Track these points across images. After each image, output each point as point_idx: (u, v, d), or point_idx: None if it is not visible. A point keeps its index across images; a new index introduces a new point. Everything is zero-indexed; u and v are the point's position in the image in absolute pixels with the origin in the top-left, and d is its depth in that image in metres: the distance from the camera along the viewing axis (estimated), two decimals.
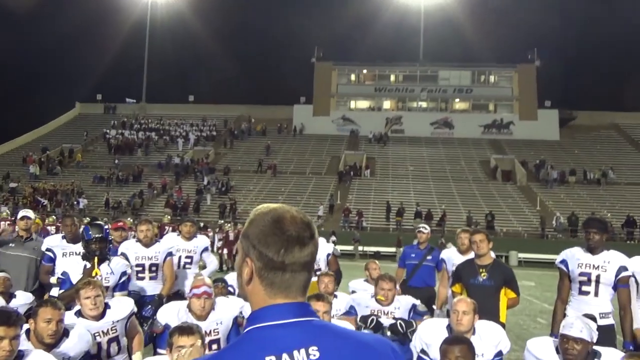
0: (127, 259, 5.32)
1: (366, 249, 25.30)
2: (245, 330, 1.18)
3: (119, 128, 45.59)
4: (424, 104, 47.50)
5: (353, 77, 49.15)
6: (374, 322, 4.40)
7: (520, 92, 45.66)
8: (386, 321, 4.49)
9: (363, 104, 48.49)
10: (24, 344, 2.99)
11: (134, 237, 7.06)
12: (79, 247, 5.34)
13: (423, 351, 3.61)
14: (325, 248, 5.92)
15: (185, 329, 2.89)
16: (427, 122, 44.98)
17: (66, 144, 42.62)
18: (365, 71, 48.95)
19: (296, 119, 46.15)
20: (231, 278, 5.97)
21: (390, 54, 48.50)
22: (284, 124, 45.99)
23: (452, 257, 5.80)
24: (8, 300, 4.48)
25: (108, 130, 45.01)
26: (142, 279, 5.46)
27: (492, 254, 5.01)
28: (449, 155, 40.34)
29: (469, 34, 50.14)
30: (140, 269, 5.45)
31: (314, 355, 1.12)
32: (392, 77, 48.54)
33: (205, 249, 6.27)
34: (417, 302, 4.79)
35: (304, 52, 52.14)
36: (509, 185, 36.41)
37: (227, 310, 3.97)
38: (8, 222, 14.66)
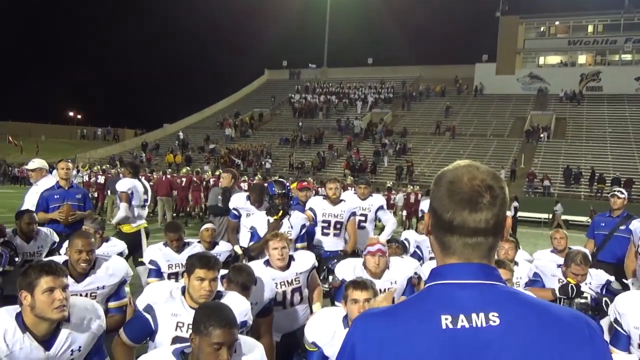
0: (315, 214, 5.62)
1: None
2: (426, 285, 1.15)
3: (302, 92, 48.02)
4: (628, 57, 41.79)
5: (543, 29, 45.00)
6: (575, 290, 3.90)
7: None
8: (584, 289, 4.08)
9: (554, 59, 44.28)
10: (221, 287, 3.37)
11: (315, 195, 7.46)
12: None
13: (616, 320, 3.28)
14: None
15: (360, 284, 2.97)
16: (632, 77, 39.53)
17: (256, 109, 46.33)
18: (557, 23, 44.42)
19: (477, 78, 43.95)
20: (407, 234, 6.02)
21: (587, 2, 43.02)
22: (464, 84, 44.17)
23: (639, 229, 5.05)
24: (211, 248, 5.08)
25: (293, 95, 47.71)
26: (327, 234, 5.62)
27: None
28: None
29: None
30: (326, 225, 5.61)
31: (494, 322, 1.04)
32: (590, 28, 43.37)
33: (381, 207, 6.27)
34: (612, 278, 4.34)
35: (487, 6, 48.92)
36: None
37: (402, 271, 4.01)
38: (214, 180, 16.60)
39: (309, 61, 53.49)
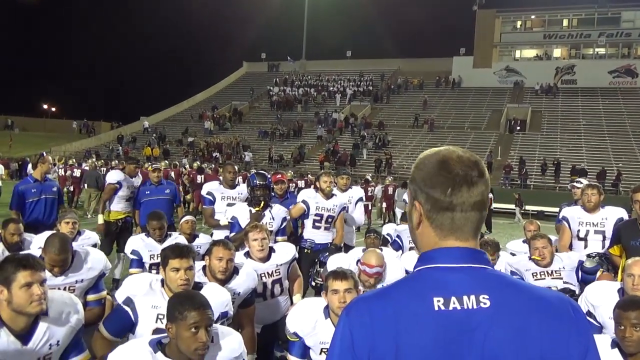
0: (307, 207, 5.60)
1: (528, 207, 23.94)
2: (416, 270, 1.16)
3: (281, 85, 47.81)
4: (601, 51, 42.52)
5: (519, 23, 45.47)
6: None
7: None
8: (551, 283, 4.20)
9: (529, 53, 44.83)
10: (201, 278, 3.36)
11: (295, 187, 7.45)
12: (235, 193, 5.75)
13: (589, 313, 3.35)
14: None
15: (340, 274, 2.98)
16: (605, 71, 40.27)
17: (235, 101, 46.01)
18: (533, 17, 44.93)
19: (455, 71, 44.28)
20: (388, 228, 6.06)
21: None
22: (442, 77, 44.47)
23: (575, 215, 5.14)
24: (191, 240, 5.06)
25: (271, 88, 47.47)
26: (318, 227, 5.60)
27: None
28: (631, 108, 35.91)
29: None
30: (318, 218, 5.59)
31: (485, 304, 1.07)
32: (565, 22, 43.97)
33: (360, 199, 6.31)
34: (584, 258, 4.45)
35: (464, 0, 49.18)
36: None
37: (392, 275, 4.01)
38: (193, 173, 16.44)
39: (287, 54, 53.31)
